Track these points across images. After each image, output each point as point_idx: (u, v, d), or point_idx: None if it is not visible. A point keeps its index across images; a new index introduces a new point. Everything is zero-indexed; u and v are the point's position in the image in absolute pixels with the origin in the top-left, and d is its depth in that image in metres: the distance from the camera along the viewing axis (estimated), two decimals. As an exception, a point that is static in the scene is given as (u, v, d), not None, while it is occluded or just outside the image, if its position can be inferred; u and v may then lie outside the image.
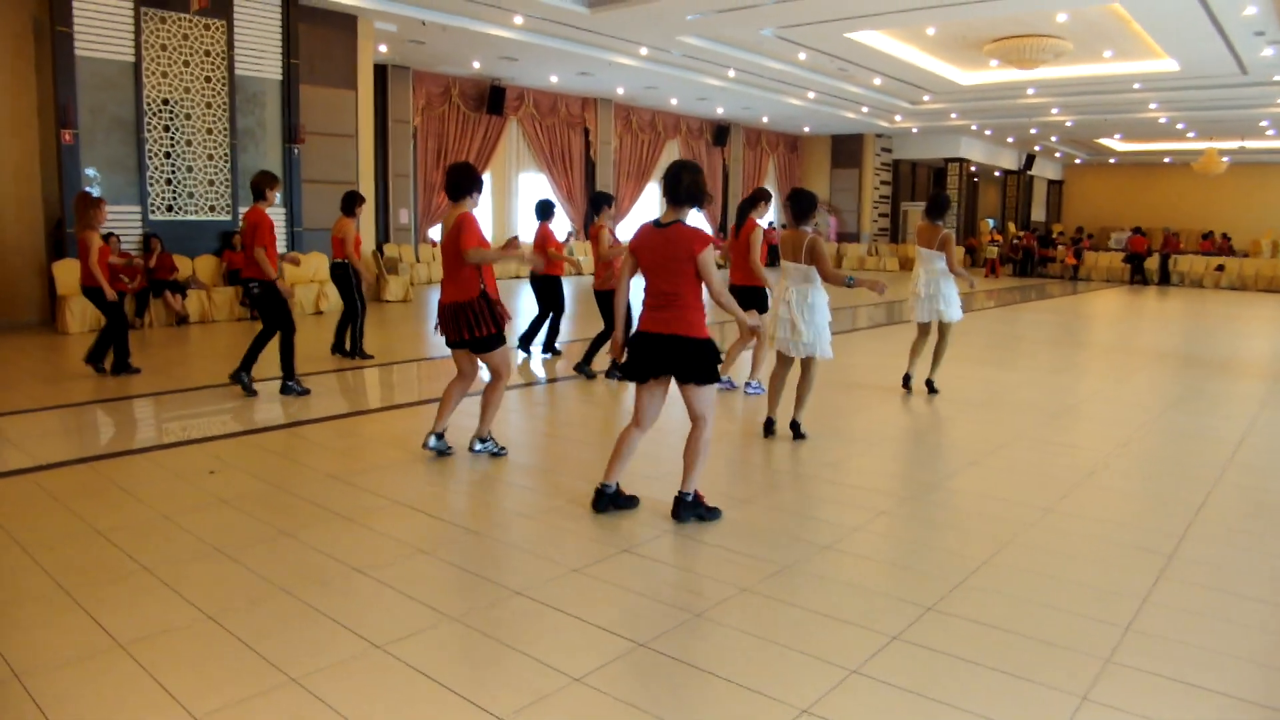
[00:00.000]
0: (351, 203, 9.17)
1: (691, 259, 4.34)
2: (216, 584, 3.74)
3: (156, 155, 12.02)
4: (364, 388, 8.54)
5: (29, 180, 11.66)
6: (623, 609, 3.65)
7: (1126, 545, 4.56)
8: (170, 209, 12.26)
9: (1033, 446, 6.55)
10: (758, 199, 7.81)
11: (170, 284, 11.82)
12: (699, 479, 4.67)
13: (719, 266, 4.64)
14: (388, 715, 2.82)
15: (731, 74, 19.20)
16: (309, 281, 13.47)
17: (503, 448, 5.87)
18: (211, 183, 12.60)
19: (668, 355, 4.43)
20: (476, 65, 17.82)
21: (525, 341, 9.71)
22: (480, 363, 5.77)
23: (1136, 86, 20.15)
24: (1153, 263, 26.11)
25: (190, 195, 12.42)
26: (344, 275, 9.22)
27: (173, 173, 12.21)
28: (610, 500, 4.73)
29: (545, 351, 9.89)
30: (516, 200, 21.06)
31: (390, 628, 3.38)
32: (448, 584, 3.86)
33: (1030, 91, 21.62)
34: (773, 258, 27.25)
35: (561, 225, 21.22)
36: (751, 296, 7.67)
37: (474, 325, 5.41)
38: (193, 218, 12.49)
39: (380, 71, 16.88)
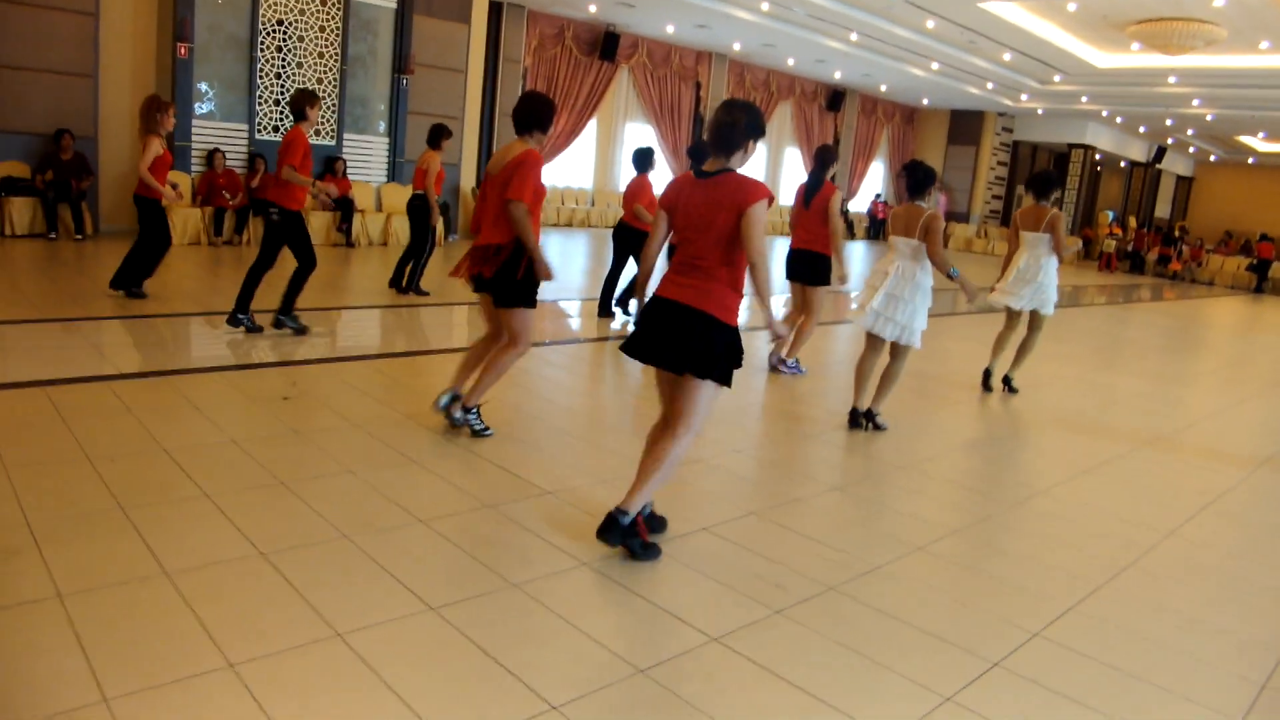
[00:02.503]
0: (438, 136, 8.85)
1: (738, 214, 3.38)
2: (274, 519, 3.56)
3: (267, 76, 12.03)
4: (446, 326, 8.38)
5: (144, 92, 11.73)
6: (697, 595, 3.35)
7: (1262, 587, 4.09)
8: (277, 130, 12.28)
9: (1151, 461, 6.03)
10: (829, 160, 7.11)
11: (270, 204, 11.83)
12: (646, 498, 3.57)
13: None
14: (434, 688, 2.59)
15: (854, 37, 18.40)
16: (375, 212, 13.34)
17: (488, 428, 4.88)
18: (319, 107, 12.56)
19: (676, 331, 3.46)
20: (592, 9, 17.41)
21: (606, 304, 9.10)
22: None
23: (1291, 82, 18.75)
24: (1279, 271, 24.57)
25: (297, 118, 12.41)
26: (422, 209, 8.98)
27: (282, 94, 12.21)
28: (624, 532, 3.51)
29: (607, 309, 9.10)
30: (621, 150, 20.69)
31: (446, 589, 3.15)
32: (512, 546, 3.62)
33: (1172, 80, 20.30)
34: (875, 231, 26.54)
35: (662, 177, 20.80)
36: (816, 266, 7.11)
37: (497, 264, 4.57)
38: (298, 140, 12.48)
39: (495, 8, 16.62)
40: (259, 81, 11.94)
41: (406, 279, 9.18)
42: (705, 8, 16.27)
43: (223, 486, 3.80)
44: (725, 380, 3.54)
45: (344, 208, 12.51)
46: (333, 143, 12.74)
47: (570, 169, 20.06)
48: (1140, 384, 8.81)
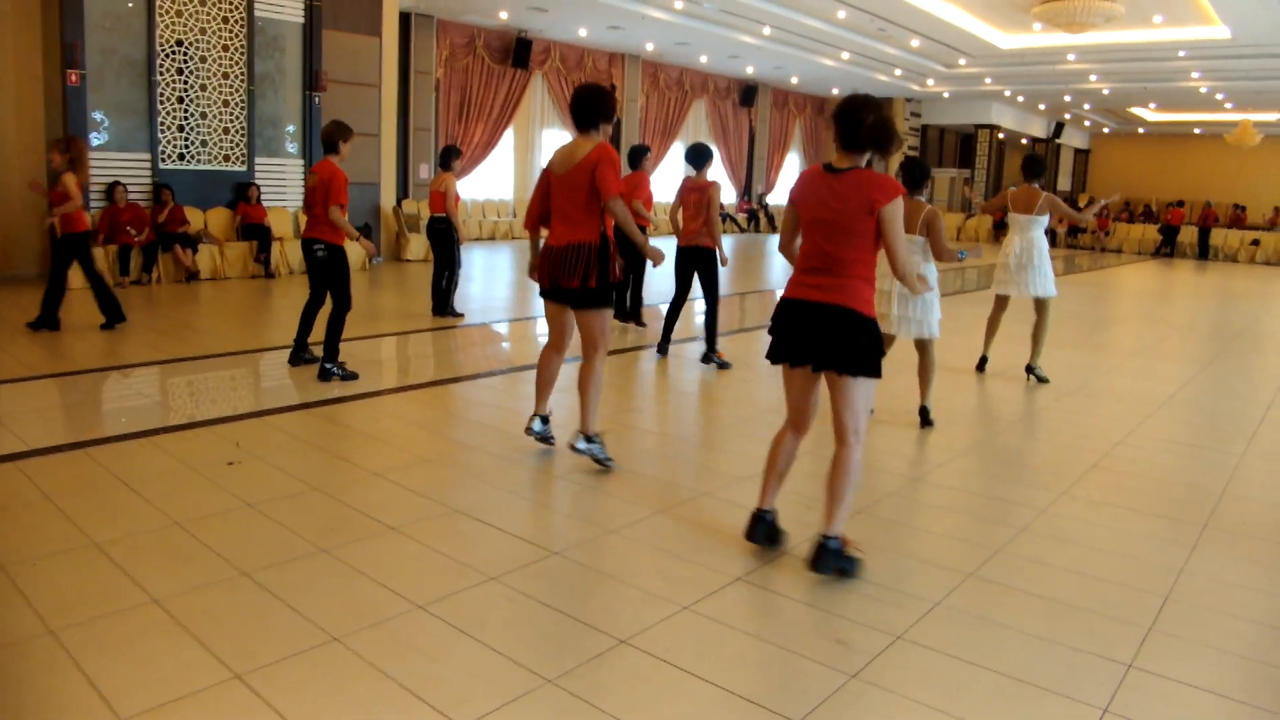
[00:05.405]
0: (450, 157, 9.23)
1: (871, 214, 3.40)
2: (243, 624, 2.97)
3: (169, 100, 11.16)
4: (393, 360, 7.75)
5: (32, 125, 10.80)
6: (759, 667, 2.89)
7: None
8: (182, 158, 11.43)
9: (1154, 445, 5.79)
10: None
11: (180, 238, 11.03)
12: (845, 516, 3.56)
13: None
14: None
15: (766, 31, 18.23)
16: (294, 239, 12.54)
17: (610, 458, 4.69)
18: (226, 130, 11.75)
19: (818, 330, 3.49)
20: (503, 16, 16.81)
21: (623, 310, 8.96)
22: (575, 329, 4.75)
23: (1181, 54, 19.26)
24: (1190, 235, 25.38)
25: (203, 144, 11.58)
26: (446, 231, 9.18)
27: (185, 119, 11.36)
28: (767, 530, 3.76)
29: (624, 319, 9.01)
30: (539, 157, 20.12)
31: (473, 696, 2.61)
32: (533, 628, 3.09)
33: (1071, 57, 20.69)
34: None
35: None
36: None
37: (584, 273, 4.44)
38: (206, 167, 11.65)
39: (404, 19, 15.93)
40: (160, 107, 11.05)
41: (444, 300, 9.29)
42: (618, 8, 15.85)
43: (174, 586, 3.18)
44: (875, 372, 3.54)
45: (260, 236, 11.75)
46: (244, 168, 11.92)
47: (489, 180, 19.42)
48: (1105, 359, 8.66)
